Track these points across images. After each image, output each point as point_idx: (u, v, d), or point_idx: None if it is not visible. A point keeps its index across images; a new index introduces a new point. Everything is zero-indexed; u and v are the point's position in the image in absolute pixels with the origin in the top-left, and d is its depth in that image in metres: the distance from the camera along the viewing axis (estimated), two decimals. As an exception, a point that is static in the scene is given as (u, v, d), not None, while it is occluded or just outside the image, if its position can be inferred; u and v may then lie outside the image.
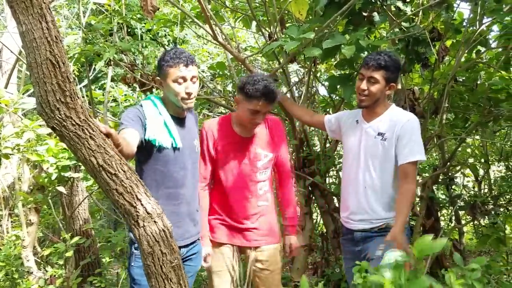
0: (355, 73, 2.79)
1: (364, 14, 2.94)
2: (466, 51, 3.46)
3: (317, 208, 4.15)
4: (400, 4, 2.97)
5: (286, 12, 3.27)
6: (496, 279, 3.08)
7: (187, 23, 4.06)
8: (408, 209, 2.28)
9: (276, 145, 2.54)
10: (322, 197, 3.71)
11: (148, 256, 1.58)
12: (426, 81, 3.82)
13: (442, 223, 5.04)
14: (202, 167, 2.41)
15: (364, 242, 2.41)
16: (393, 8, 3.11)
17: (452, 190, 4.51)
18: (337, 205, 3.76)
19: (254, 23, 3.90)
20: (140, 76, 3.44)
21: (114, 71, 7.07)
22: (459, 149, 4.72)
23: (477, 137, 4.85)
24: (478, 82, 3.77)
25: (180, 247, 2.14)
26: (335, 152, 4.26)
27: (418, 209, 3.62)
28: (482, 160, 5.05)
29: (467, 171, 5.53)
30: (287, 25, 3.42)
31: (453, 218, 4.82)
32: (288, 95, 3.71)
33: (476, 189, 5.38)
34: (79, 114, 1.43)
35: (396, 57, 2.40)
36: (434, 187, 4.26)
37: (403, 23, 3.07)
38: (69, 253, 3.39)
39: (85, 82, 4.32)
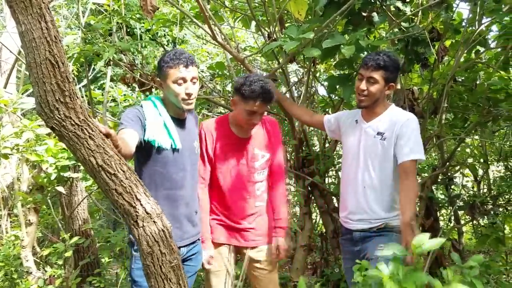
0: (355, 73, 2.79)
1: (364, 14, 2.94)
2: (465, 51, 3.46)
3: (316, 208, 4.15)
4: (399, 4, 2.98)
5: (286, 12, 3.27)
6: (495, 279, 3.08)
7: (186, 23, 4.05)
8: (413, 203, 2.25)
9: (273, 145, 2.55)
10: (322, 197, 3.71)
11: (147, 256, 1.58)
12: (425, 81, 3.83)
13: (441, 223, 5.05)
14: (201, 168, 2.41)
15: (363, 242, 2.42)
16: (392, 8, 3.11)
17: (451, 190, 4.52)
18: (336, 205, 3.76)
19: (253, 23, 3.90)
20: (140, 76, 3.43)
21: (113, 71, 7.07)
22: (458, 149, 4.72)
23: (476, 137, 4.86)
24: (477, 82, 3.77)
25: (180, 247, 2.15)
26: (335, 152, 4.26)
27: (418, 209, 3.62)
28: (481, 160, 5.05)
29: (466, 171, 5.54)
30: (287, 25, 3.42)
31: (452, 218, 4.83)
32: (288, 95, 3.71)
33: (475, 189, 5.39)
34: (78, 114, 1.43)
35: (395, 57, 2.40)
36: (433, 187, 4.27)
37: (402, 23, 3.07)
38: (68, 253, 3.39)
39: (85, 82, 4.32)
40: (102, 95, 4.50)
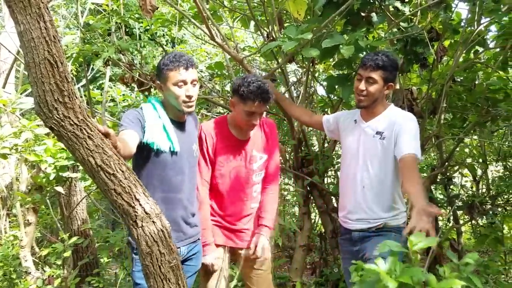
0: (354, 73, 2.79)
1: (363, 14, 2.94)
2: (464, 51, 3.46)
3: (315, 208, 4.15)
4: (398, 4, 2.98)
5: (285, 12, 3.27)
6: (494, 279, 3.08)
7: (185, 23, 4.05)
8: (424, 192, 2.11)
9: (270, 147, 2.56)
10: (321, 197, 3.71)
11: (146, 256, 1.58)
12: (424, 81, 3.83)
13: (440, 223, 5.05)
14: (204, 170, 2.40)
15: (362, 242, 2.42)
16: (391, 8, 3.11)
17: (450, 190, 4.52)
18: (335, 205, 3.76)
19: (252, 23, 3.90)
20: (139, 76, 3.43)
21: (112, 71, 7.07)
22: (457, 149, 4.73)
23: (475, 137, 4.86)
24: (476, 82, 3.77)
25: (179, 247, 2.15)
26: (334, 152, 4.26)
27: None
28: (480, 160, 5.05)
29: (465, 171, 5.53)
30: (286, 25, 3.42)
31: (451, 218, 4.83)
32: (287, 95, 3.71)
33: (474, 189, 5.39)
34: (77, 114, 1.43)
35: (394, 57, 2.40)
36: (432, 187, 4.27)
37: (401, 23, 3.07)
38: (67, 253, 3.39)
39: (83, 82, 4.32)
40: (101, 95, 4.50)
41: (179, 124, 2.22)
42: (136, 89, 4.04)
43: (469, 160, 5.28)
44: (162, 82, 2.12)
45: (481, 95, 3.68)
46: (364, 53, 2.65)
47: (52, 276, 3.57)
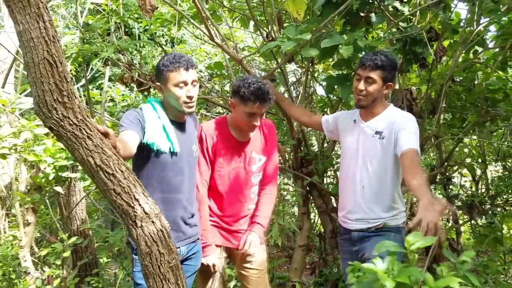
0: (353, 73, 2.79)
1: (362, 14, 2.94)
2: (464, 51, 3.47)
3: (314, 208, 4.15)
4: (397, 4, 2.98)
5: (284, 11, 3.27)
6: (494, 279, 3.09)
7: (184, 22, 4.05)
8: (429, 186, 2.05)
9: (269, 149, 2.57)
10: (320, 197, 3.71)
11: (146, 256, 1.58)
12: (423, 81, 3.83)
13: (440, 223, 5.05)
14: (204, 171, 2.40)
15: (361, 242, 2.42)
16: (390, 8, 3.11)
17: (449, 190, 4.52)
18: (334, 205, 3.77)
19: (251, 23, 3.90)
20: (138, 76, 3.43)
21: (112, 71, 7.07)
22: (457, 149, 4.73)
23: (475, 137, 4.86)
24: (476, 82, 3.78)
25: (179, 247, 2.15)
26: (333, 152, 4.26)
27: (415, 208, 3.62)
28: (479, 160, 5.06)
29: (465, 171, 5.54)
30: (285, 25, 3.42)
31: (451, 218, 4.83)
32: (286, 95, 3.71)
33: (473, 189, 5.40)
34: (76, 114, 1.43)
35: (393, 56, 2.40)
36: (431, 187, 4.26)
37: (400, 23, 3.08)
38: (67, 253, 3.39)
39: (83, 82, 4.31)
40: (100, 95, 4.50)
41: (179, 125, 2.22)
42: (135, 89, 4.04)
43: (468, 160, 5.28)
44: (162, 83, 2.11)
45: (480, 95, 3.68)
46: (363, 53, 2.65)
47: (52, 276, 3.57)
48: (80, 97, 4.50)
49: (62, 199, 4.22)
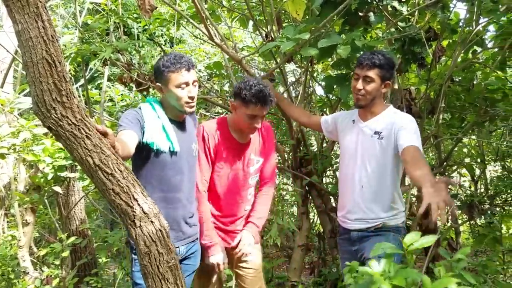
0: (352, 73, 2.79)
1: (360, 14, 2.94)
2: (463, 51, 3.47)
3: (314, 208, 4.15)
4: (396, 4, 2.98)
5: (283, 11, 3.27)
6: (493, 279, 3.09)
7: (184, 22, 4.05)
8: (430, 170, 1.98)
9: (267, 151, 2.59)
10: (319, 197, 3.71)
11: (144, 256, 1.58)
12: (422, 81, 3.83)
13: (439, 223, 5.05)
14: (205, 170, 2.40)
15: (360, 241, 2.42)
16: (389, 8, 3.11)
17: (448, 190, 4.52)
18: (334, 204, 3.77)
19: (251, 23, 3.90)
20: (137, 76, 3.43)
21: (111, 71, 7.06)
22: (456, 149, 4.73)
23: (474, 137, 4.86)
24: (475, 82, 3.78)
25: (178, 247, 2.15)
26: (332, 152, 4.26)
27: (415, 208, 3.63)
28: (479, 160, 5.06)
29: (464, 171, 5.54)
30: (284, 24, 3.42)
31: (450, 217, 4.83)
32: (285, 95, 3.71)
33: (472, 188, 5.40)
34: (75, 114, 1.43)
35: (390, 55, 2.40)
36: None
37: (399, 23, 3.08)
38: (66, 253, 3.38)
39: (82, 81, 4.31)
40: (100, 94, 4.50)
41: (179, 124, 2.22)
42: (134, 89, 4.04)
43: (467, 160, 5.29)
44: (163, 84, 2.11)
45: (479, 95, 3.68)
46: (362, 53, 2.66)
47: (50, 276, 3.56)
48: (79, 97, 4.50)
49: (61, 199, 4.22)
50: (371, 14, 2.95)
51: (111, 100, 5.45)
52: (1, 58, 4.97)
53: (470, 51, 3.67)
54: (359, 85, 2.33)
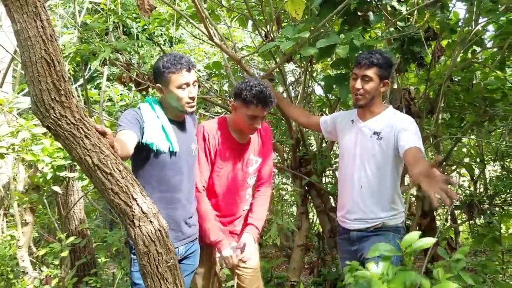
0: (351, 72, 2.79)
1: (359, 13, 2.94)
2: (462, 51, 3.47)
3: (313, 208, 4.15)
4: (395, 3, 2.98)
5: (283, 11, 3.27)
6: (492, 278, 3.08)
7: (183, 22, 4.04)
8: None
9: (265, 151, 2.60)
10: (319, 197, 3.71)
11: (143, 256, 1.58)
12: (421, 81, 3.83)
13: (438, 223, 5.06)
14: (205, 170, 2.40)
15: (360, 241, 2.42)
16: (388, 8, 3.11)
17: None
18: (333, 204, 3.77)
19: (250, 23, 3.90)
20: (136, 76, 3.43)
21: (110, 71, 7.05)
22: (455, 148, 4.73)
23: (473, 136, 4.87)
24: (474, 82, 3.78)
25: (177, 247, 2.15)
26: (332, 152, 4.26)
27: (414, 208, 3.63)
28: (478, 160, 5.06)
29: (463, 170, 5.55)
30: (283, 24, 3.41)
31: (449, 217, 4.83)
32: (285, 94, 3.71)
33: (471, 188, 5.40)
34: (74, 113, 1.42)
35: (387, 54, 2.40)
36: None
37: (398, 23, 3.07)
38: (65, 253, 3.38)
39: (81, 81, 4.31)
40: (99, 94, 4.49)
41: (178, 124, 2.22)
42: (133, 88, 4.03)
43: (466, 160, 5.29)
44: (163, 85, 2.10)
45: (478, 95, 3.68)
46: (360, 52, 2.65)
47: (50, 276, 3.56)
48: (79, 96, 4.50)
49: (60, 198, 4.21)
50: (370, 13, 2.94)
51: (110, 100, 5.44)
52: (0, 58, 4.95)
53: (470, 51, 3.67)
54: (358, 84, 2.33)
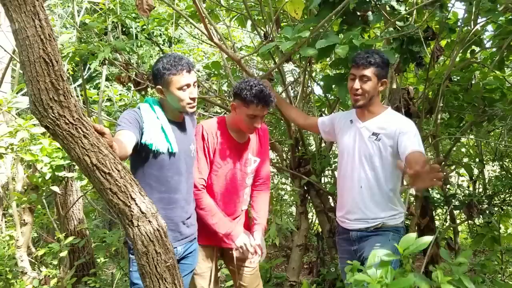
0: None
1: (358, 13, 2.94)
2: (461, 51, 3.47)
3: (312, 208, 4.15)
4: (394, 3, 2.97)
5: (282, 11, 3.27)
6: (491, 278, 3.09)
7: (182, 22, 4.04)
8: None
9: (264, 150, 2.61)
10: (318, 197, 3.71)
11: (142, 255, 1.58)
12: (421, 80, 3.83)
13: (437, 223, 5.06)
14: (204, 169, 2.39)
15: (359, 241, 2.42)
16: (387, 8, 3.11)
17: (447, 189, 4.53)
18: (332, 204, 3.77)
19: (249, 22, 3.89)
20: (135, 75, 3.42)
21: (109, 70, 7.05)
22: (454, 148, 4.73)
23: (472, 136, 4.86)
24: (473, 82, 3.78)
25: (176, 247, 2.15)
26: (331, 152, 4.26)
27: (413, 208, 3.63)
28: (477, 160, 5.06)
29: (462, 170, 5.54)
30: (283, 24, 3.41)
31: (448, 217, 4.83)
32: (284, 94, 3.71)
33: (470, 188, 5.40)
34: (72, 113, 1.42)
35: (384, 53, 2.40)
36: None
37: (397, 22, 3.07)
38: (64, 253, 3.38)
39: (80, 81, 4.30)
40: (98, 94, 4.49)
41: (178, 124, 2.22)
42: (132, 88, 4.03)
43: (465, 160, 5.28)
44: (164, 86, 2.10)
45: (477, 95, 3.68)
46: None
47: (48, 276, 3.56)
48: (78, 96, 4.49)
49: (59, 198, 4.21)
50: (370, 13, 2.94)
51: (109, 99, 5.44)
52: (-1, 58, 4.95)
53: (469, 51, 3.67)
54: (356, 84, 2.33)
